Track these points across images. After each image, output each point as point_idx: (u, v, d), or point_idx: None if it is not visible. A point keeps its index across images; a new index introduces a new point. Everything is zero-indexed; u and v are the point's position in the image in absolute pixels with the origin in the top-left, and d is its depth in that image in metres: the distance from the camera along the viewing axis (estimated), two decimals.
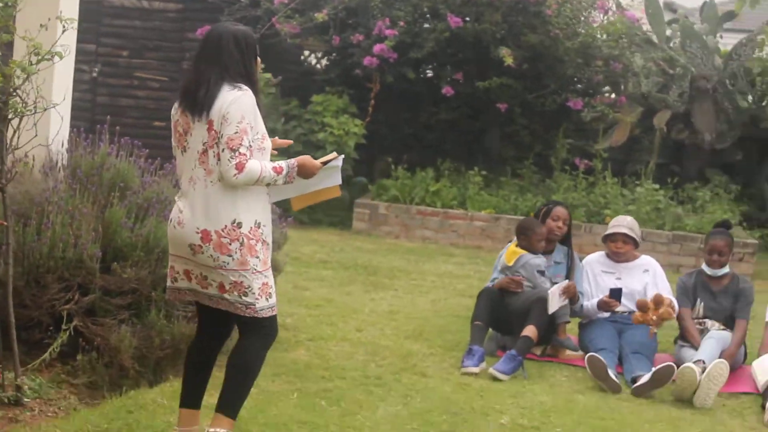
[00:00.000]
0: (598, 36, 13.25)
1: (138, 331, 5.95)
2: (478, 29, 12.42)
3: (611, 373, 6.47)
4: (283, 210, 7.79)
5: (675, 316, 6.99)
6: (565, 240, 7.39)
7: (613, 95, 14.04)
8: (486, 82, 12.59)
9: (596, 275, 7.36)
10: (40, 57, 5.14)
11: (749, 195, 14.36)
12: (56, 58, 5.28)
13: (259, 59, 4.80)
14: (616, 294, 7.08)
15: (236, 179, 4.44)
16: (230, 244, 4.51)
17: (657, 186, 12.47)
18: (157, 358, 6.01)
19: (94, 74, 14.31)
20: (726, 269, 7.19)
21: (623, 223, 7.40)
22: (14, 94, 5.26)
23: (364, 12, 12.80)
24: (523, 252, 7.16)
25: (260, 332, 4.69)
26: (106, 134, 6.90)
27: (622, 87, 14.03)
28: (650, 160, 13.43)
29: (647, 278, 7.28)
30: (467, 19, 12.53)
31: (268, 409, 5.49)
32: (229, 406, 4.68)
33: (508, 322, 7.07)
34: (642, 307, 6.88)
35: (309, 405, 5.66)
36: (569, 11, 12.71)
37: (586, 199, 12.28)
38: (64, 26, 5.23)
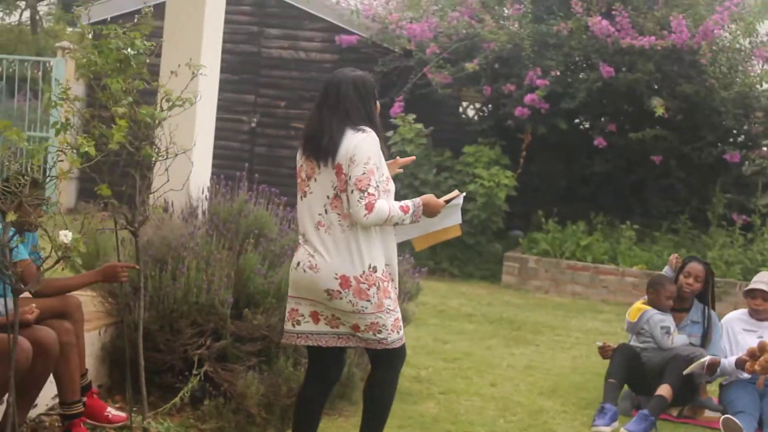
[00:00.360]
0: (758, 86, 12.82)
1: (265, 378, 6.00)
2: (630, 79, 12.20)
3: None
4: (415, 259, 7.76)
5: None
6: (703, 298, 7.11)
7: None
8: (639, 133, 12.31)
9: (736, 333, 7.05)
10: (171, 103, 5.26)
11: None
12: (187, 104, 5.39)
13: (378, 103, 4.88)
14: None
15: (366, 219, 4.52)
16: (368, 290, 4.62)
17: None
18: (284, 406, 6.02)
19: (253, 124, 14.65)
20: None
21: (764, 279, 7.08)
22: (147, 140, 5.41)
23: (516, 61, 12.73)
24: (648, 308, 6.94)
25: (392, 362, 4.89)
26: (244, 182, 7.03)
27: None
28: None
29: None
30: (621, 69, 12.30)
31: None
32: None
33: (644, 380, 6.85)
34: (752, 355, 6.56)
35: None
36: (725, 60, 12.34)
37: (742, 256, 11.84)
38: (193, 72, 5.34)
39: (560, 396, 7.20)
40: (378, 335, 4.71)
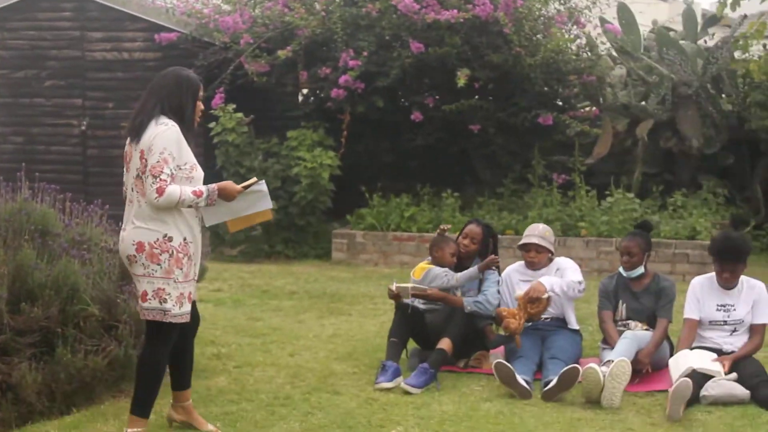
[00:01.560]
0: (569, 49, 13.29)
1: (42, 367, 6.11)
2: (440, 53, 12.55)
3: (519, 379, 6.49)
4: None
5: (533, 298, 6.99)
6: (484, 257, 7.41)
7: (594, 108, 14.04)
8: (453, 105, 12.68)
9: (514, 283, 7.38)
10: None
11: (745, 198, 14.27)
12: None
13: (200, 104, 5.45)
14: None
15: (157, 202, 5.12)
16: (161, 255, 5.20)
17: (632, 195, 12.49)
18: (65, 392, 6.13)
19: (83, 128, 14.63)
20: (640, 270, 7.19)
21: (535, 233, 7.42)
22: None
23: (330, 45, 12.98)
24: (432, 266, 7.25)
25: (161, 335, 5.34)
26: (23, 181, 7.12)
27: (601, 100, 14.03)
28: (637, 171, 13.44)
29: (557, 278, 7.25)
30: (431, 45, 12.63)
31: None
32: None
33: (429, 338, 7.14)
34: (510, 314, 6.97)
35: None
36: (528, 29, 12.77)
37: (561, 213, 12.30)
38: None
39: (355, 359, 7.44)
40: (164, 305, 5.23)
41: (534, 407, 6.29)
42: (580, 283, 7.13)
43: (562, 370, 6.43)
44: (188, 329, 5.59)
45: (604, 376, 6.28)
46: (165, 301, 5.24)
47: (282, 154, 13.14)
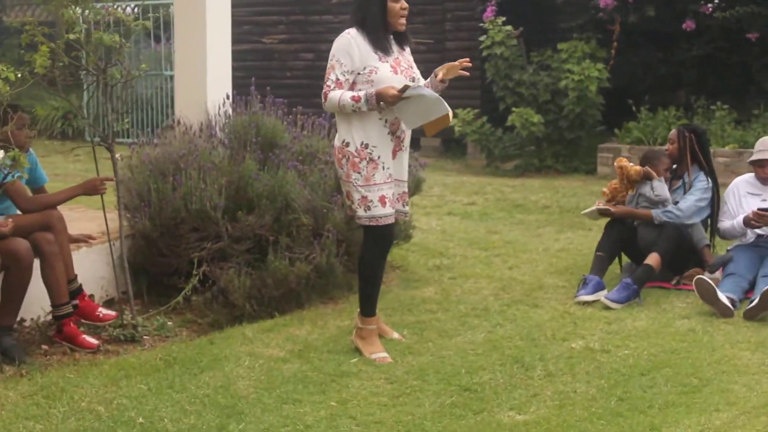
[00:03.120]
0: None
1: (251, 273, 6.50)
2: None
3: (721, 296, 6.23)
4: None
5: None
6: (692, 160, 7.10)
7: None
8: (727, 12, 12.01)
9: (742, 197, 7.04)
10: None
11: None
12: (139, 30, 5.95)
13: (397, 4, 5.41)
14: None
15: (324, 106, 5.45)
16: (341, 160, 5.48)
17: None
18: (271, 297, 6.52)
19: None
20: None
21: (767, 146, 7.00)
22: (114, 63, 6.03)
23: None
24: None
25: (367, 240, 5.60)
26: (254, 96, 7.52)
27: None
28: None
29: None
30: None
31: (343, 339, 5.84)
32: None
33: (640, 252, 6.97)
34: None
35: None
36: None
37: None
38: None
39: (570, 273, 7.39)
40: (353, 206, 5.51)
41: (730, 326, 6.04)
42: None
43: (765, 289, 6.10)
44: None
45: None
46: (352, 202, 5.51)
47: (553, 66, 12.99)
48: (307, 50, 15.68)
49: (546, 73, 13.00)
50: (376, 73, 5.38)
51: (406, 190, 5.73)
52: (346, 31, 5.43)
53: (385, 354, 5.51)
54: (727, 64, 13.22)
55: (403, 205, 5.72)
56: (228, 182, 6.85)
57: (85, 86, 6.04)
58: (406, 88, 5.30)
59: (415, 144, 7.02)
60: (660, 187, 6.93)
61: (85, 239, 6.54)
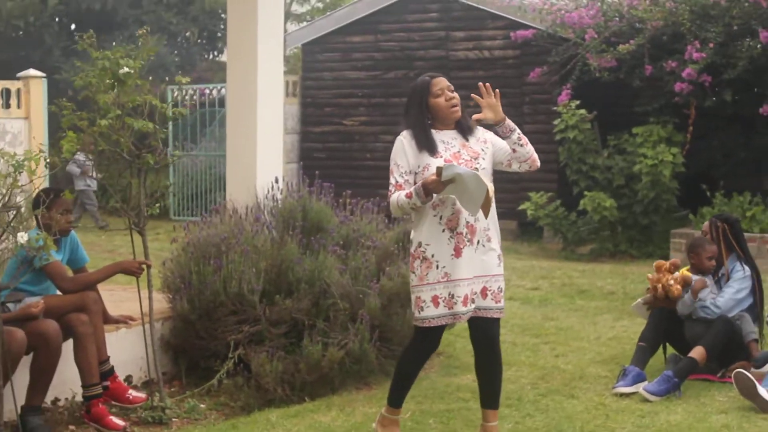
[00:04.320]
0: None
1: (284, 357, 6.52)
2: None
3: (762, 391, 6.03)
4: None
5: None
6: (727, 252, 6.94)
7: None
8: None
9: None
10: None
11: None
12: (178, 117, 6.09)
13: (441, 99, 5.41)
14: None
15: (390, 209, 5.47)
16: (413, 262, 5.42)
17: None
18: (303, 382, 6.52)
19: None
20: None
21: None
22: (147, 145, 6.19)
23: (676, 37, 12.55)
24: (690, 275, 6.85)
25: (415, 337, 5.54)
26: (302, 179, 7.62)
27: None
28: None
29: None
30: None
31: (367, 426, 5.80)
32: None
33: (686, 344, 6.79)
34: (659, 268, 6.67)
35: (415, 425, 5.90)
36: None
37: None
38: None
39: (615, 363, 7.21)
40: (412, 306, 5.44)
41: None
42: None
43: None
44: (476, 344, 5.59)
45: None
46: (411, 302, 5.44)
47: (628, 150, 12.89)
48: (387, 132, 15.82)
49: (621, 157, 12.91)
50: (428, 169, 5.29)
51: (490, 285, 5.50)
52: (401, 133, 5.43)
53: None
54: None
55: (495, 302, 5.54)
56: (270, 266, 6.91)
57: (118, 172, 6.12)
58: (440, 170, 5.25)
59: None
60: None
61: (125, 320, 6.65)
